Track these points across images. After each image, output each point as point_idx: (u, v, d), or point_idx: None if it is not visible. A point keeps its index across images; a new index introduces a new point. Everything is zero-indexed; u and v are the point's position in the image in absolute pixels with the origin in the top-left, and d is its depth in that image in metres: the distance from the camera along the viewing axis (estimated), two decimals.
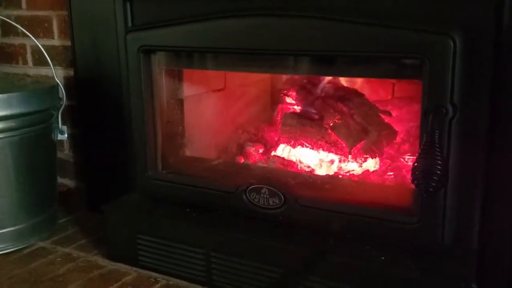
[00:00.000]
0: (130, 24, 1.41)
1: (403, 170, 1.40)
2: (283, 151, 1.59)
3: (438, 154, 0.99)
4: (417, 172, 0.99)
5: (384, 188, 1.35)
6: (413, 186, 1.04)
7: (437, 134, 1.01)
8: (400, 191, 1.29)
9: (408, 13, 1.07)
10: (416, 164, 1.00)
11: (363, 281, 1.12)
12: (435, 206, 1.07)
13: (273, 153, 1.60)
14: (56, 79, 1.56)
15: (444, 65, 1.01)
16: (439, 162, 0.98)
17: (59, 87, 1.56)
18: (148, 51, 1.34)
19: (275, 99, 1.85)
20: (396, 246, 1.14)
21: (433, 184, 0.98)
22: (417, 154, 1.03)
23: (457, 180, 1.06)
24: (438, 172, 0.98)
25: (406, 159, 1.46)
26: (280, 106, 1.78)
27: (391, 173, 1.41)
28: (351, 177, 1.43)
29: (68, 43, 1.70)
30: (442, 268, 1.09)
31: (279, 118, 1.71)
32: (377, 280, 1.11)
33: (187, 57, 1.38)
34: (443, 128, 1.02)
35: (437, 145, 1.00)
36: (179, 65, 1.44)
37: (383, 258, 1.12)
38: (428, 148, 0.99)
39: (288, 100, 1.75)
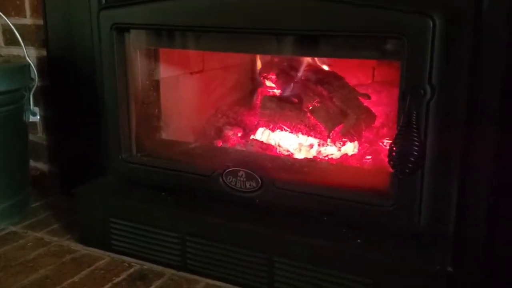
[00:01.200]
0: (103, 1, 1.37)
1: (381, 154, 1.38)
2: (262, 134, 1.57)
3: (415, 135, 0.97)
4: (393, 153, 0.97)
5: (361, 171, 1.34)
6: (390, 169, 1.03)
7: (414, 115, 0.99)
8: (377, 175, 1.28)
9: None
10: (392, 145, 0.98)
11: (340, 264, 1.10)
12: (411, 188, 1.06)
13: (252, 137, 1.57)
14: (27, 58, 1.52)
15: (423, 45, 0.99)
16: (416, 143, 0.96)
17: (30, 67, 1.52)
18: (121, 29, 1.31)
19: (254, 82, 1.82)
20: (372, 229, 1.13)
21: (410, 165, 0.96)
22: (394, 136, 1.01)
23: (434, 162, 1.05)
24: (415, 153, 0.96)
25: (384, 143, 1.45)
26: (259, 89, 1.76)
27: (369, 157, 1.40)
28: (329, 160, 1.41)
29: (40, 22, 1.65)
30: (418, 251, 1.08)
31: (258, 102, 1.69)
32: (354, 263, 1.09)
33: (161, 35, 1.34)
34: (420, 109, 1.01)
35: (414, 127, 0.98)
36: (154, 44, 1.40)
37: (359, 241, 1.11)
38: (405, 129, 0.97)
39: (268, 83, 1.72)
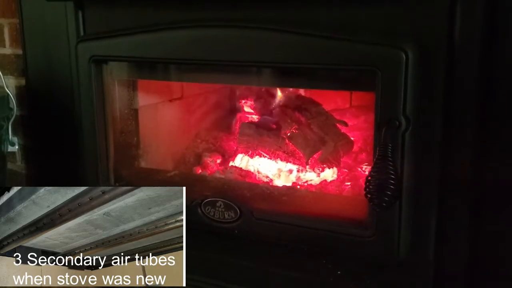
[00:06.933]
0: (82, 33, 1.38)
1: (360, 180, 1.39)
2: (241, 161, 1.57)
3: (391, 168, 0.98)
4: (370, 187, 0.98)
5: (340, 199, 1.34)
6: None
7: (390, 147, 1.00)
8: (356, 203, 1.28)
9: (361, 26, 1.07)
10: (369, 178, 0.99)
11: None
12: (390, 219, 1.07)
13: (230, 164, 1.58)
14: (6, 88, 1.51)
15: (397, 78, 1.01)
16: (392, 176, 0.97)
17: (9, 97, 1.51)
18: (99, 61, 1.31)
19: (234, 108, 1.83)
20: (352, 260, 1.13)
21: (387, 199, 0.97)
22: (370, 168, 1.02)
23: (412, 193, 1.05)
24: (392, 186, 0.97)
25: (363, 169, 1.46)
26: (238, 115, 1.76)
27: (348, 183, 1.41)
28: (308, 188, 1.42)
29: (20, 51, 1.65)
30: (398, 281, 1.08)
31: (237, 128, 1.69)
32: None
33: (140, 67, 1.35)
34: (396, 141, 1.02)
35: (390, 159, 0.99)
36: (132, 76, 1.40)
37: (339, 272, 1.12)
38: (381, 162, 0.98)
39: (246, 109, 1.73)
